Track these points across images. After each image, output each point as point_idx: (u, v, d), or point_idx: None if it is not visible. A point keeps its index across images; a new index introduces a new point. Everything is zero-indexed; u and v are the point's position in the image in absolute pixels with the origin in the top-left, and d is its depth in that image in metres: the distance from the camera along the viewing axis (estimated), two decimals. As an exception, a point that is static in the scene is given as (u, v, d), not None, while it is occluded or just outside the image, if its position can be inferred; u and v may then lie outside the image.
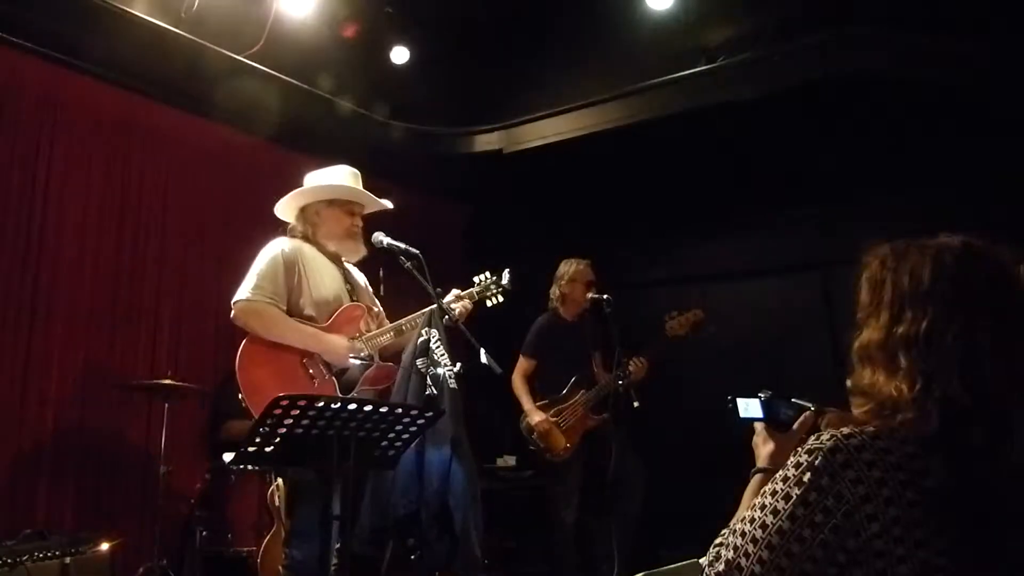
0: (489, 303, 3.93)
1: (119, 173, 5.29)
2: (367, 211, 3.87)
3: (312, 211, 3.75)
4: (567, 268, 5.46)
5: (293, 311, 3.54)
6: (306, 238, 3.72)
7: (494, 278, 3.92)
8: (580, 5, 6.07)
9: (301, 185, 3.82)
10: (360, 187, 3.82)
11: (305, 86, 5.88)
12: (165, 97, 5.48)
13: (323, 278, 3.63)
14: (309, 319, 3.54)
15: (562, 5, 6.09)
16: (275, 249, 3.58)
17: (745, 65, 5.56)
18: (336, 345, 3.52)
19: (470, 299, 3.84)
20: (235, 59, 5.38)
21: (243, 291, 3.46)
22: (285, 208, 3.80)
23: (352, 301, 3.69)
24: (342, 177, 3.79)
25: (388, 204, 3.91)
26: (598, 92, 6.23)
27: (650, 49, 5.94)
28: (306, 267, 3.59)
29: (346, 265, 3.85)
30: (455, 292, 3.83)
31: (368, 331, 3.66)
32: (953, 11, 4.76)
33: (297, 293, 3.55)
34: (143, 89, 5.38)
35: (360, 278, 3.93)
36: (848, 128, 5.67)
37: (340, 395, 3.41)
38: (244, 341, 3.44)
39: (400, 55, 6.13)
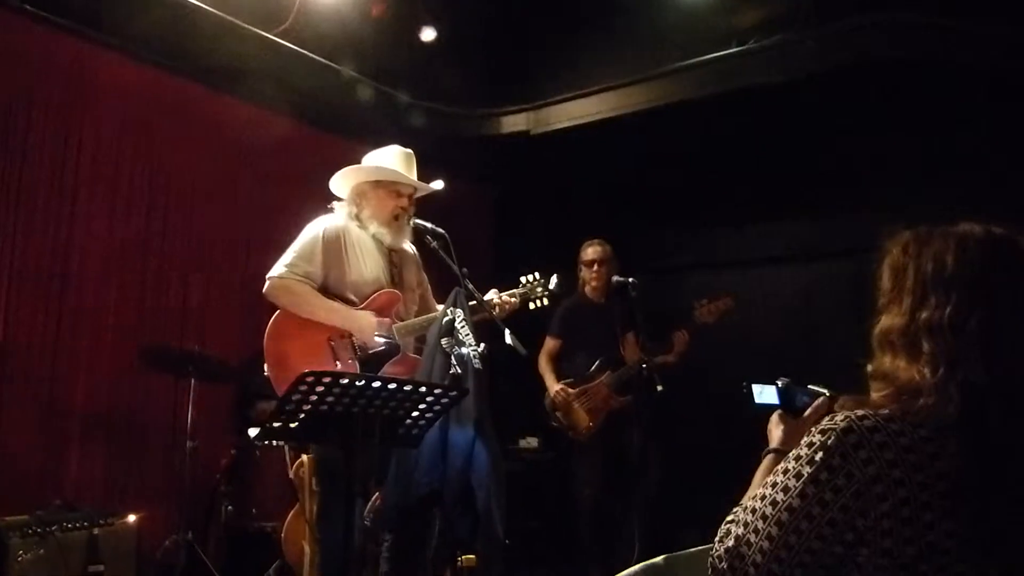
0: (532, 305, 3.91)
1: (148, 149, 5.33)
2: (419, 193, 3.83)
3: (360, 191, 3.76)
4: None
5: (330, 290, 3.58)
6: (355, 217, 3.74)
7: (542, 280, 3.91)
8: (610, -15, 6.02)
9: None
10: (412, 168, 3.80)
11: (333, 64, 5.86)
12: (193, 74, 5.50)
13: (365, 260, 3.65)
14: (345, 300, 3.58)
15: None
16: (318, 228, 3.62)
17: (777, 48, 5.48)
18: (364, 322, 3.55)
19: (511, 299, 3.83)
20: (263, 37, 5.37)
21: (278, 267, 3.52)
22: (337, 184, 3.81)
23: (393, 286, 3.71)
24: (391, 158, 3.78)
25: (436, 186, 3.88)
26: (627, 74, 6.16)
27: (681, 31, 5.87)
28: (349, 248, 3.62)
29: (395, 245, 3.81)
30: (494, 291, 3.83)
31: (403, 318, 3.68)
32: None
33: (336, 273, 3.59)
34: (172, 66, 5.39)
35: (410, 257, 3.90)
36: (881, 113, 5.60)
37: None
38: (276, 313, 3.51)
39: (428, 35, 6.10)
